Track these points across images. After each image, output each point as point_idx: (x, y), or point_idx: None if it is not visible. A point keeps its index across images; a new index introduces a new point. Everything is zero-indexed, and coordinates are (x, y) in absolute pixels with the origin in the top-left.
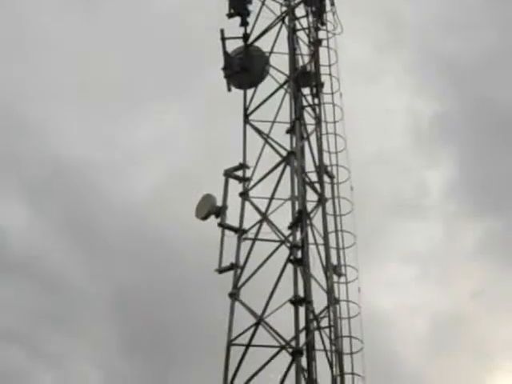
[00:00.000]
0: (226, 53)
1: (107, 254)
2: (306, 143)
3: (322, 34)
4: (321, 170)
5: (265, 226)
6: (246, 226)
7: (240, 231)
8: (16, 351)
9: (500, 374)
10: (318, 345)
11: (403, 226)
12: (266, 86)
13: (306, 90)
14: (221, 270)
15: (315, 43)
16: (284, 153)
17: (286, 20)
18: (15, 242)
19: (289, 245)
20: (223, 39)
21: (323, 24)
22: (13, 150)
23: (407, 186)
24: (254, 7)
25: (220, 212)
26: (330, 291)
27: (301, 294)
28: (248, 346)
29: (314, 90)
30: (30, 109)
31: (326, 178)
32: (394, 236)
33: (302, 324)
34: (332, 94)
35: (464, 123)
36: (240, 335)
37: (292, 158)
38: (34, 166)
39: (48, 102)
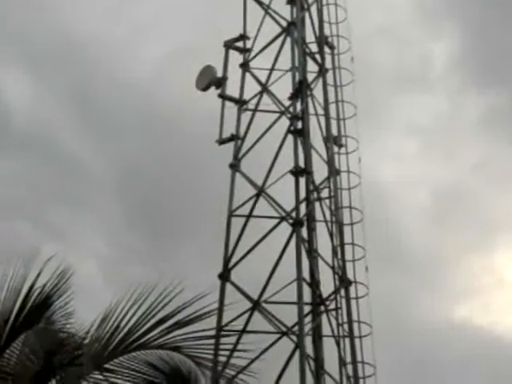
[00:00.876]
0: None
1: (112, 128)
2: (307, 14)
3: None
4: (321, 40)
5: (265, 97)
6: (246, 97)
7: (240, 102)
8: (22, 224)
9: (501, 246)
10: (319, 215)
11: (406, 99)
12: None
13: None
14: (221, 141)
15: None
16: (284, 23)
17: None
18: (21, 115)
19: (289, 116)
20: None
21: None
22: (20, 23)
23: (411, 58)
24: None
25: (220, 83)
26: (330, 162)
27: (301, 164)
28: (249, 216)
29: None
30: None
31: (326, 49)
32: (397, 109)
33: (302, 195)
34: None
35: None
36: (241, 206)
37: (292, 28)
38: (40, 39)
39: None
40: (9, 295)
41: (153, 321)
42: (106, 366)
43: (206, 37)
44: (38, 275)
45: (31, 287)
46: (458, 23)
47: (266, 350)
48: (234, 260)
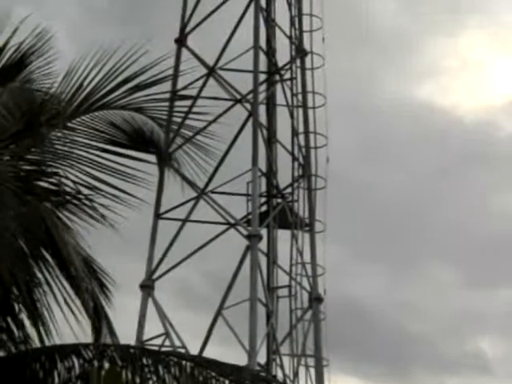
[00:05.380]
0: None
1: None
2: None
3: None
4: None
5: None
6: None
7: None
8: None
9: (467, 29)
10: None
11: None
12: None
13: None
14: None
15: None
16: None
17: None
18: None
19: None
20: None
21: None
22: None
23: None
24: None
25: None
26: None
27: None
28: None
29: None
30: None
31: None
32: None
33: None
34: None
35: None
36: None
37: None
38: None
39: None
40: None
41: (116, 82)
42: (69, 124)
43: None
44: (14, 33)
45: (4, 45)
46: None
47: (221, 115)
48: None
